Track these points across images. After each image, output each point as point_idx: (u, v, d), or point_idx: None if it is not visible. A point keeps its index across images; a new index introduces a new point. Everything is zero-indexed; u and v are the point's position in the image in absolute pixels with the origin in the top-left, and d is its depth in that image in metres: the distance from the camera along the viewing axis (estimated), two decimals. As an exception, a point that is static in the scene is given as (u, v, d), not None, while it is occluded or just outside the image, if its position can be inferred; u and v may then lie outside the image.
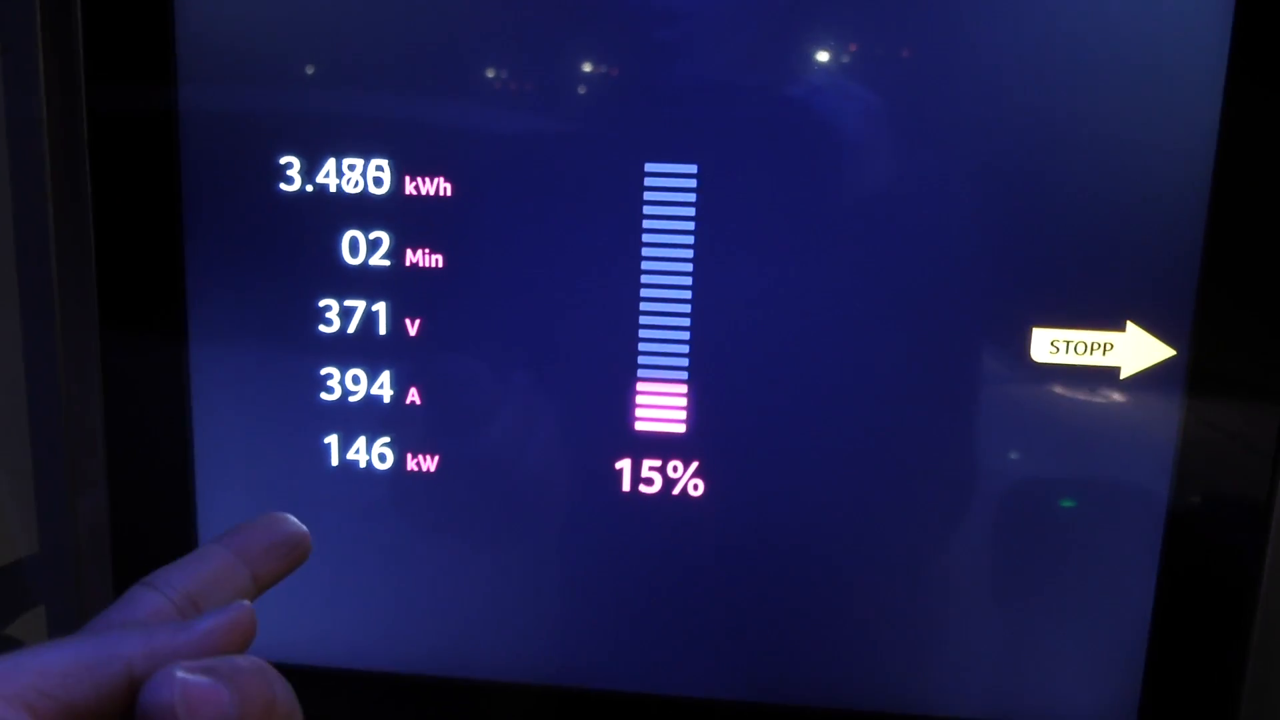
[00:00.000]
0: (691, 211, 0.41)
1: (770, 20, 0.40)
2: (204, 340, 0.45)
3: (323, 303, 0.44)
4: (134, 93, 0.43)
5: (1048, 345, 0.41)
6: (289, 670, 0.42)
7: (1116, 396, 0.41)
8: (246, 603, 0.24)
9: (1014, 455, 0.42)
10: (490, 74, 0.41)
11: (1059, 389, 0.42)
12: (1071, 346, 0.41)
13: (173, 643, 0.23)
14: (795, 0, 0.39)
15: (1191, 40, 0.38)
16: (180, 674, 0.21)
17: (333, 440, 0.45)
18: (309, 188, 0.43)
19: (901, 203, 0.41)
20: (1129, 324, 0.41)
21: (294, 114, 0.42)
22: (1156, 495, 0.42)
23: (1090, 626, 0.43)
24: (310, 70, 0.42)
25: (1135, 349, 0.41)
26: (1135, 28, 0.38)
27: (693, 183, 0.41)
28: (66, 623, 0.48)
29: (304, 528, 0.28)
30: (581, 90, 0.41)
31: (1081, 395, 0.41)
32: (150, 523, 0.47)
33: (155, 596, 0.25)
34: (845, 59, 0.40)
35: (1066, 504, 0.42)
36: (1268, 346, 0.40)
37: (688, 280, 0.42)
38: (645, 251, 0.42)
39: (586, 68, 0.41)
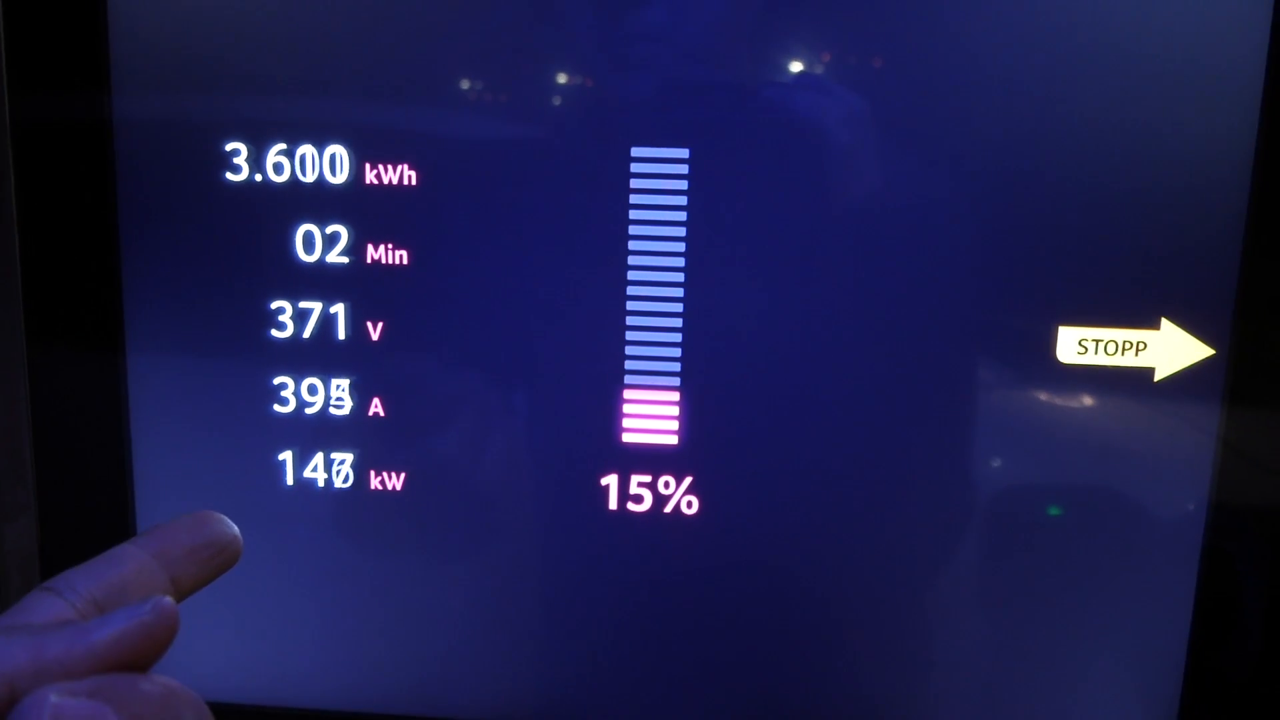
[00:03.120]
0: (683, 201, 0.37)
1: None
2: (142, 350, 0.40)
3: (275, 305, 0.39)
4: (62, 75, 0.38)
5: (1075, 345, 0.37)
6: (228, 711, 0.37)
7: (1151, 400, 0.38)
8: (165, 599, 0.20)
9: (1032, 466, 0.39)
10: (460, 53, 0.37)
11: (1087, 394, 0.38)
12: (1101, 346, 0.37)
13: (66, 654, 0.19)
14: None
15: (1231, 33, 0.35)
16: (54, 698, 0.17)
17: (287, 457, 0.40)
18: (257, 177, 0.38)
19: (913, 196, 0.37)
20: (1164, 321, 0.37)
21: (239, 95, 0.38)
22: (1194, 507, 0.38)
23: (1123, 651, 0.40)
24: (258, 45, 0.38)
25: (1171, 348, 0.37)
26: (1173, 22, 0.35)
27: (684, 169, 0.37)
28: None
29: (234, 528, 0.25)
30: (560, 71, 0.37)
31: (1113, 400, 0.38)
32: (85, 550, 0.42)
33: (56, 602, 0.22)
34: (861, 46, 0.36)
35: (1092, 517, 0.39)
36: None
37: (679, 276, 0.38)
38: (633, 245, 0.38)
39: (565, 48, 0.37)
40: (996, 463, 0.39)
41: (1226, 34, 0.35)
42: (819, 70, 0.36)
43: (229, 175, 0.38)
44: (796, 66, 0.36)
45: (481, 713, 0.42)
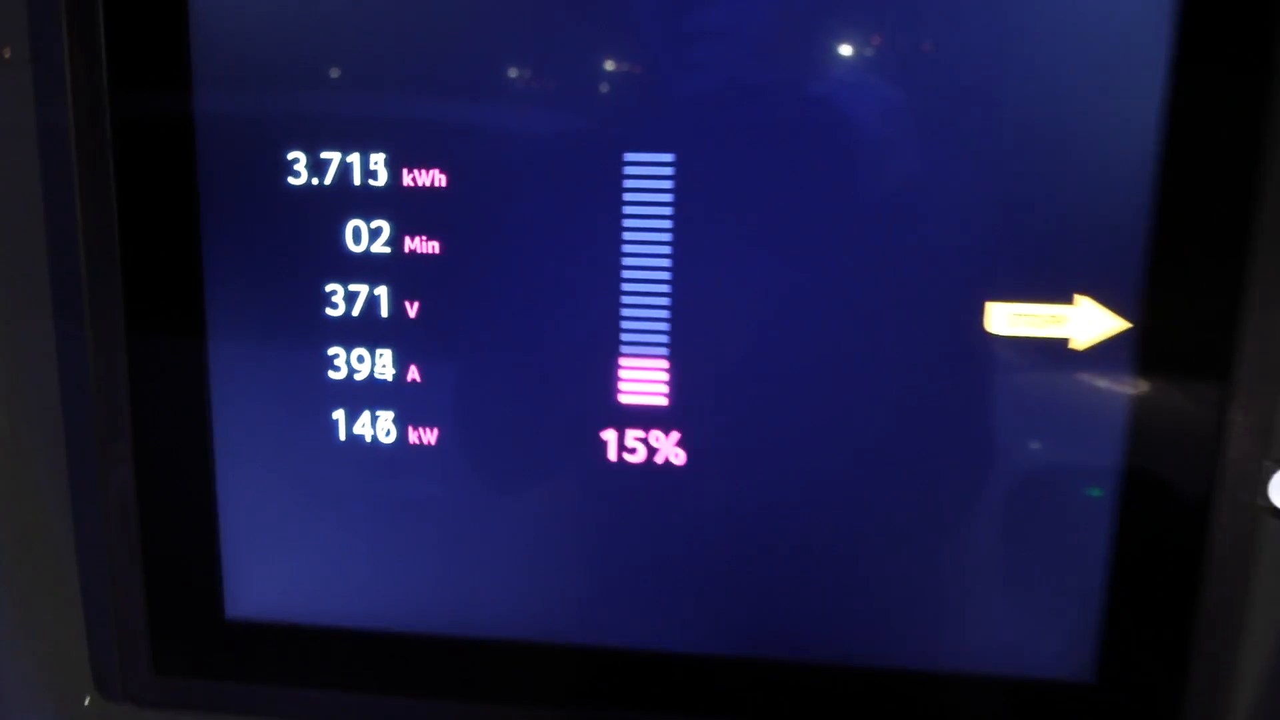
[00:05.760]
0: (669, 198, 0.44)
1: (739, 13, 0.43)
2: (220, 327, 0.48)
3: (329, 288, 0.47)
4: (153, 100, 0.46)
5: (1004, 319, 0.44)
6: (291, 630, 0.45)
7: (1070, 367, 0.44)
8: None
9: (973, 423, 0.45)
10: (479, 73, 0.44)
11: (1016, 360, 0.44)
12: (1026, 320, 0.44)
13: None
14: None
15: (1136, 24, 0.41)
16: None
17: (340, 415, 0.48)
18: (314, 181, 0.46)
19: (869, 189, 0.43)
20: (1079, 297, 0.43)
21: (299, 115, 0.45)
22: (1110, 459, 0.44)
23: (1050, 585, 0.46)
24: (313, 74, 0.45)
25: (1088, 322, 0.43)
26: (1081, 21, 0.41)
27: (670, 170, 0.44)
28: (98, 583, 0.52)
29: None
30: (565, 86, 0.44)
31: (1037, 366, 0.44)
32: (174, 496, 0.50)
33: None
34: (814, 53, 0.43)
35: (1019, 468, 0.45)
36: (1215, 317, 0.43)
37: (667, 262, 0.45)
38: (626, 236, 0.45)
39: (568, 67, 0.44)
40: (941, 419, 0.45)
41: (1133, 27, 0.41)
42: (781, 75, 0.43)
43: (290, 180, 0.46)
44: (761, 80, 0.43)
45: (503, 631, 0.49)
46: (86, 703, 0.53)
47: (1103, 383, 0.44)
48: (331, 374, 0.48)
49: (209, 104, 0.46)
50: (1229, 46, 0.41)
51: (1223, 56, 0.41)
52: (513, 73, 0.44)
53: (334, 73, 0.45)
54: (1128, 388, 0.44)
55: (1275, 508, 0.45)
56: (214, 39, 0.45)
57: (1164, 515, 0.45)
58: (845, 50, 0.42)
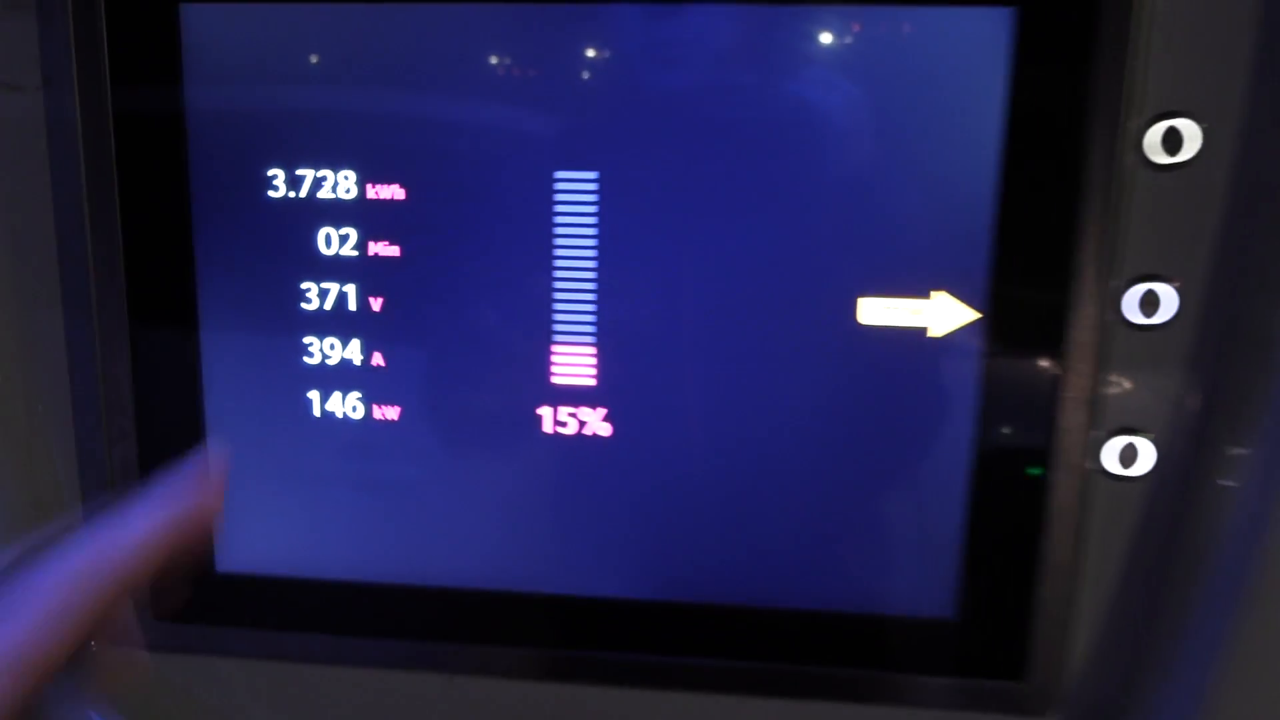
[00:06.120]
0: (593, 213, 0.52)
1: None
2: (212, 318, 0.56)
3: (304, 285, 0.55)
4: (151, 125, 0.54)
5: (872, 311, 0.52)
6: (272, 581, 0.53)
7: (931, 351, 0.52)
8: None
9: (851, 399, 0.53)
10: (433, 103, 0.52)
11: (886, 346, 0.52)
12: (894, 312, 0.52)
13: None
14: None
15: (975, 58, 0.49)
16: None
17: (315, 395, 0.56)
18: (292, 194, 0.54)
19: (762, 204, 0.51)
20: (936, 293, 0.51)
21: (279, 138, 0.53)
22: (965, 429, 0.53)
23: (917, 538, 0.54)
24: (291, 105, 0.53)
25: (944, 313, 0.52)
26: (928, 50, 0.49)
27: (595, 186, 0.52)
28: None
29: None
30: (503, 113, 0.52)
31: (904, 351, 0.52)
32: (170, 465, 0.58)
33: None
34: (713, 83, 0.51)
35: (894, 438, 0.53)
36: (1049, 309, 0.51)
37: (592, 263, 0.53)
38: (556, 244, 0.53)
39: (506, 97, 0.52)
40: (824, 396, 0.53)
41: (972, 61, 0.48)
42: (689, 104, 0.51)
43: (271, 193, 0.54)
44: (673, 104, 0.51)
45: (456, 580, 0.57)
46: (92, 644, 0.61)
47: (958, 364, 0.52)
48: (307, 359, 0.56)
49: (201, 128, 0.53)
50: (1053, 89, 0.49)
51: (1047, 101, 0.49)
52: (459, 103, 0.52)
53: (308, 104, 0.53)
54: (979, 368, 0.52)
55: (1104, 470, 0.54)
56: (206, 74, 0.53)
57: (1011, 477, 0.53)
58: (740, 80, 0.50)
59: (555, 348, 0.54)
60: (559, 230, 0.53)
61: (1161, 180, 0.51)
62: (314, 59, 0.52)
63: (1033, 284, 0.51)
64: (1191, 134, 0.51)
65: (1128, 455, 0.54)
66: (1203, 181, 0.51)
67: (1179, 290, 0.52)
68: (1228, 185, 0.51)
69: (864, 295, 0.52)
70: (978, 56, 0.49)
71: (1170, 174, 0.51)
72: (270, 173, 0.54)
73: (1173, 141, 0.51)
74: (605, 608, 0.57)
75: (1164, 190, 0.51)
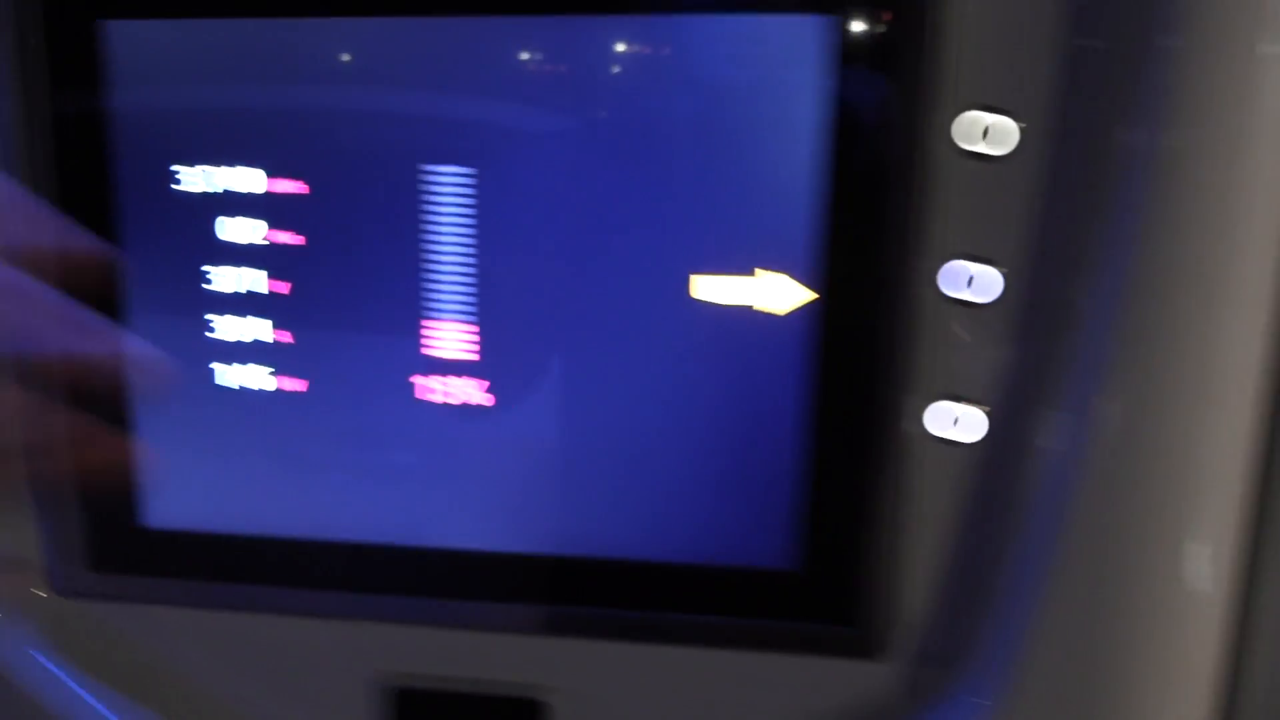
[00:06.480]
0: (462, 203, 0.59)
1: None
2: (138, 298, 0.62)
3: (210, 268, 0.61)
4: (82, 130, 0.61)
5: (706, 289, 0.58)
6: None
7: (773, 327, 0.58)
8: None
9: (703, 370, 0.59)
10: (324, 110, 0.59)
11: (735, 322, 0.58)
12: (724, 287, 0.58)
13: None
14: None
15: (796, 57, 0.55)
16: None
17: (228, 368, 0.63)
18: (205, 189, 0.60)
19: (614, 193, 0.58)
20: (761, 271, 0.57)
21: (192, 140, 0.60)
22: (807, 396, 0.59)
23: (764, 496, 0.60)
24: (201, 114, 0.60)
25: (784, 293, 0.58)
26: (753, 48, 0.55)
27: (466, 180, 0.58)
28: (49, 502, 0.66)
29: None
30: (380, 117, 0.58)
31: (751, 327, 0.58)
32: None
33: None
34: (557, 85, 0.57)
35: (743, 406, 0.59)
36: (875, 290, 0.57)
37: (462, 246, 0.59)
38: (425, 231, 0.59)
39: (372, 97, 0.58)
40: (678, 367, 0.59)
41: (795, 56, 0.54)
42: (537, 106, 0.57)
43: (186, 187, 0.60)
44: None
45: (352, 534, 0.64)
46: (45, 596, 0.68)
47: (798, 339, 0.58)
48: (221, 335, 0.62)
49: (125, 130, 0.60)
50: (869, 83, 0.55)
51: (866, 96, 0.55)
52: (336, 105, 0.58)
53: (215, 111, 0.59)
54: (817, 342, 0.58)
55: (929, 433, 0.60)
56: (130, 85, 0.60)
57: (848, 441, 0.59)
58: (585, 82, 0.57)
59: (436, 324, 0.60)
60: (426, 220, 0.59)
61: (981, 170, 0.57)
62: (219, 69, 0.59)
63: (860, 269, 0.57)
64: (1008, 128, 0.57)
65: (955, 421, 0.60)
66: (1021, 172, 0.57)
67: (1003, 272, 0.58)
68: (1044, 176, 0.57)
69: (701, 274, 0.58)
70: (799, 55, 0.55)
71: (988, 164, 0.57)
72: (184, 169, 0.60)
73: (989, 134, 0.57)
74: (483, 560, 0.63)
75: (984, 179, 0.57)
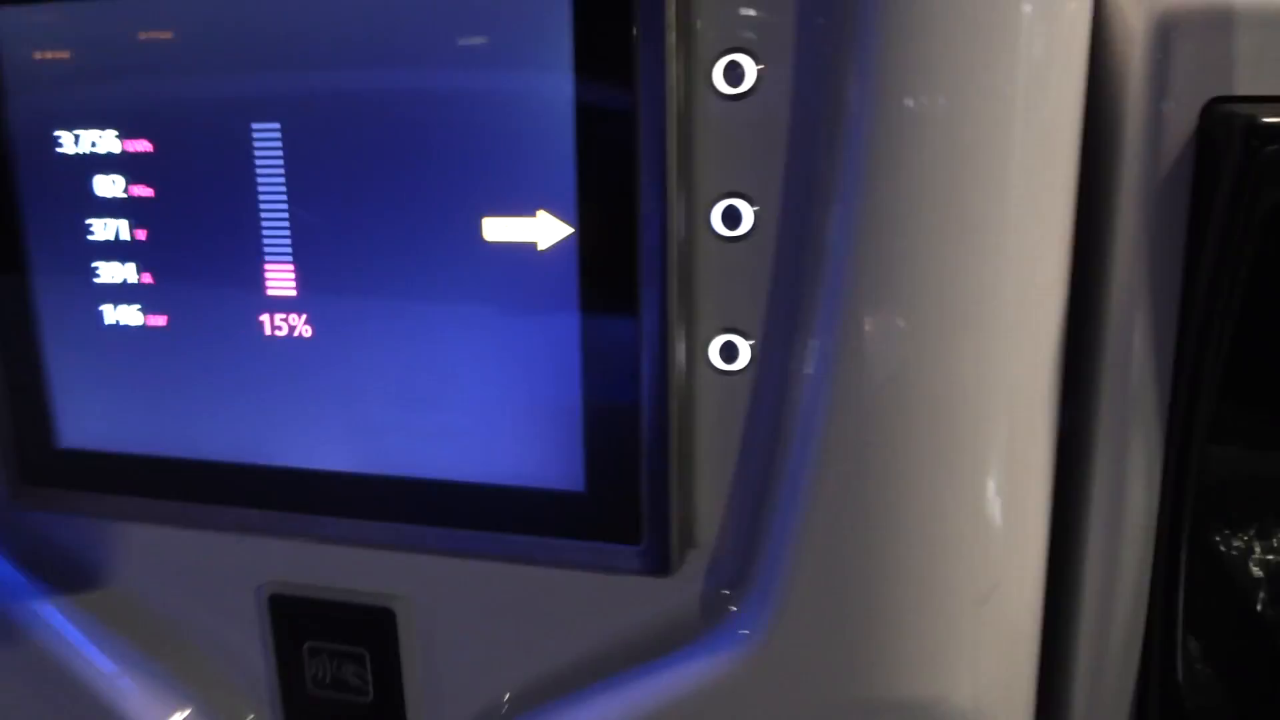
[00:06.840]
0: (281, 155, 0.65)
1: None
2: (38, 250, 0.73)
3: (90, 220, 0.71)
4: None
5: (493, 229, 0.62)
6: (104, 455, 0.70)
7: (540, 261, 0.62)
8: None
9: (485, 299, 0.64)
10: (169, 75, 0.66)
11: (508, 257, 0.63)
12: (509, 228, 0.62)
13: None
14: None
15: (546, 17, 0.58)
16: None
17: (109, 306, 0.72)
18: (81, 151, 0.69)
19: (410, 148, 0.63)
20: (540, 212, 0.61)
21: (66, 109, 0.69)
22: (576, 326, 0.62)
23: (551, 421, 0.65)
24: (70, 80, 0.68)
25: (547, 229, 0.61)
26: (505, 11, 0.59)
27: (279, 138, 0.65)
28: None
29: None
30: (216, 80, 0.65)
31: (522, 261, 0.62)
32: (16, 367, 0.76)
33: None
34: (362, 54, 0.62)
35: (525, 335, 0.64)
36: (624, 227, 0.60)
37: (286, 200, 0.66)
38: (259, 183, 0.66)
39: (205, 65, 0.65)
40: (463, 297, 0.64)
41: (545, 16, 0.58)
42: (346, 70, 0.63)
43: (67, 150, 0.70)
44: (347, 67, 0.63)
45: (218, 454, 0.72)
46: (-7, 506, 0.80)
47: (562, 271, 0.62)
48: (103, 278, 0.71)
49: (18, 105, 0.70)
50: (616, 32, 0.58)
51: (614, 43, 0.58)
52: (178, 73, 0.66)
53: (80, 80, 0.68)
54: (577, 274, 0.62)
55: (706, 361, 0.62)
56: (18, 74, 0.69)
57: (621, 373, 0.62)
58: (378, 54, 0.62)
59: (266, 267, 0.67)
60: (260, 174, 0.66)
61: (730, 110, 0.59)
62: (80, 43, 0.67)
63: (610, 207, 0.60)
64: (750, 69, 0.58)
65: (725, 349, 0.62)
66: (767, 111, 0.59)
67: (754, 208, 0.60)
68: (787, 114, 0.59)
69: (489, 216, 0.62)
70: (549, 16, 0.58)
71: (736, 103, 0.59)
72: (58, 134, 0.69)
73: (735, 75, 0.59)
74: (313, 477, 0.70)
75: (733, 119, 0.59)
